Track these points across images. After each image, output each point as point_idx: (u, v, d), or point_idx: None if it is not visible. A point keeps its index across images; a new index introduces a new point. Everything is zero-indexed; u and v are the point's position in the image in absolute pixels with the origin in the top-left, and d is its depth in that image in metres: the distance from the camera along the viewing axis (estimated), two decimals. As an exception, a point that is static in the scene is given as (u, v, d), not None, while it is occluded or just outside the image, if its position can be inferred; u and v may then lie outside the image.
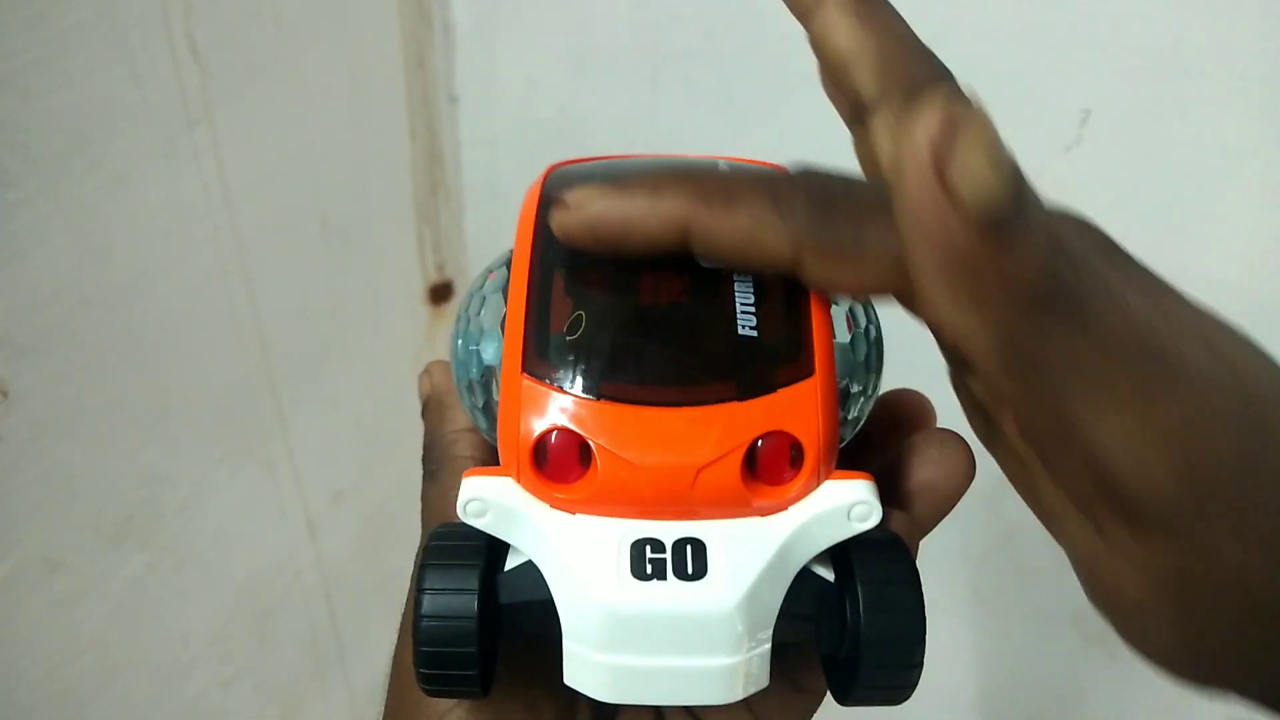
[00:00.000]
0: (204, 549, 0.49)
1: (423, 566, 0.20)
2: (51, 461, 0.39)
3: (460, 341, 0.24)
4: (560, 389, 0.20)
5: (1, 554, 0.38)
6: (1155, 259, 0.20)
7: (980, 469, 0.23)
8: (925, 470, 0.23)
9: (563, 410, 0.20)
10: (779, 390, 0.20)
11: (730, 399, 0.20)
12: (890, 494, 0.23)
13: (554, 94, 0.57)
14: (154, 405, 0.44)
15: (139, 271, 0.41)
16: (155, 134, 0.41)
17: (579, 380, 0.20)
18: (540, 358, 0.20)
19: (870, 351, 0.23)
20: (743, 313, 0.21)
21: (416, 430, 0.27)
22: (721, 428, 0.20)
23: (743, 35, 0.49)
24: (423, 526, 0.26)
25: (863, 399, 0.23)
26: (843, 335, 0.22)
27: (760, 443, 0.20)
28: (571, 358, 0.20)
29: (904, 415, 0.25)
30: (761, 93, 0.50)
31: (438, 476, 0.26)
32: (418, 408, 0.27)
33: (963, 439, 0.23)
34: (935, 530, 0.25)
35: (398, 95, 0.57)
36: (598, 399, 0.20)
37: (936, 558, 0.27)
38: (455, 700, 0.23)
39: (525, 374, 0.20)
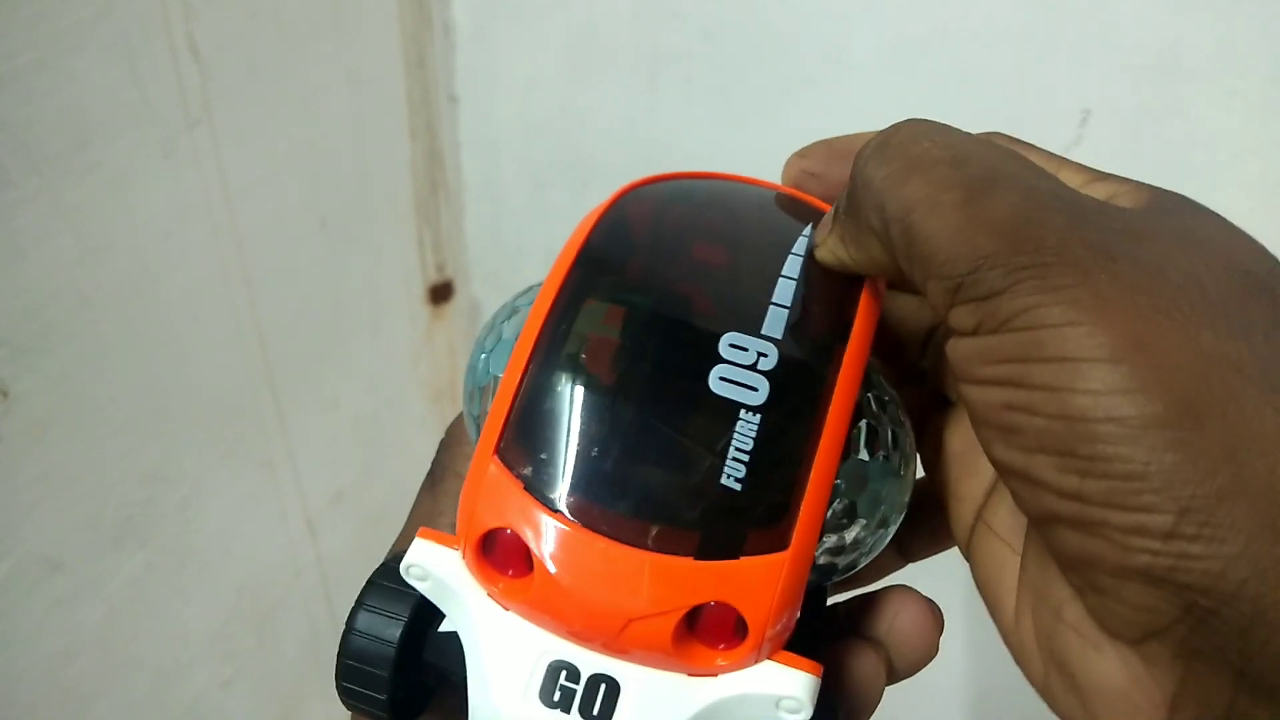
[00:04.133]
0: (204, 549, 0.49)
1: (357, 603, 0.21)
2: (51, 461, 0.39)
3: (479, 343, 0.23)
4: (524, 486, 0.19)
5: (1, 554, 0.38)
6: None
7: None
8: (881, 625, 0.23)
9: (518, 511, 0.19)
10: (742, 558, 0.18)
11: (688, 554, 0.18)
12: (867, 626, 0.23)
13: (554, 94, 0.57)
14: (154, 405, 0.44)
15: (139, 271, 0.41)
16: (155, 134, 0.40)
17: (543, 484, 0.19)
18: (516, 444, 0.19)
19: (889, 484, 0.21)
20: (735, 458, 0.19)
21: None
22: (666, 585, 0.18)
23: (743, 35, 0.49)
24: (405, 526, 0.25)
25: (863, 536, 0.21)
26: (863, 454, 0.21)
27: (707, 605, 0.18)
28: (544, 457, 0.19)
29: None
30: (761, 93, 0.50)
31: (433, 487, 0.25)
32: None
33: (926, 614, 0.23)
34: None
35: (398, 95, 0.57)
36: (554, 512, 0.19)
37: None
38: None
39: (496, 457, 0.19)
